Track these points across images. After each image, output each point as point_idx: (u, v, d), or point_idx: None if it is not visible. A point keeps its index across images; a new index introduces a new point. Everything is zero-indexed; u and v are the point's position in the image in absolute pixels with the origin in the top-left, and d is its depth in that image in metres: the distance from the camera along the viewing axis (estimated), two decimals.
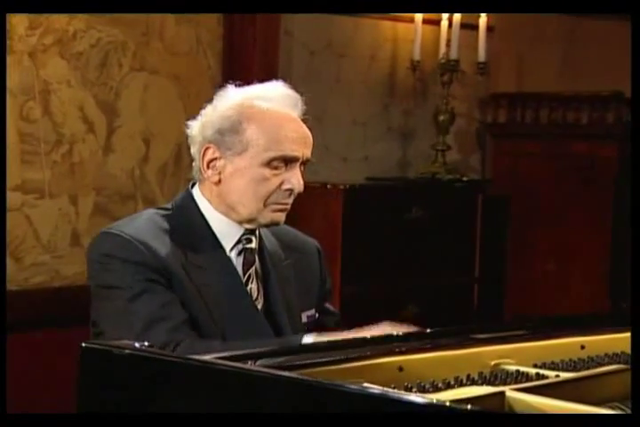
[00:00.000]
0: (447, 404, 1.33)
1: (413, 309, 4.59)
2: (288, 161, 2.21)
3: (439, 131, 4.91)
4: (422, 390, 1.76)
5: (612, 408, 1.67)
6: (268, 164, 2.19)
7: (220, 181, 2.23)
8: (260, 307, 2.26)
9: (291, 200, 2.25)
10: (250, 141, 2.19)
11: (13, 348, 3.55)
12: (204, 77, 4.00)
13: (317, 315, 2.39)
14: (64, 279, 3.64)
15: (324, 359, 1.74)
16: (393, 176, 4.85)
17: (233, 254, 2.25)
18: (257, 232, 2.28)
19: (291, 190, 2.22)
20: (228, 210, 2.23)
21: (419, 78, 4.95)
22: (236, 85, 2.28)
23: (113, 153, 3.78)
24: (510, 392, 1.63)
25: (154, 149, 3.86)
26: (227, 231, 2.24)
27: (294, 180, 2.21)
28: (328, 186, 4.35)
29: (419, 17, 4.80)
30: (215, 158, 2.22)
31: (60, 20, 3.63)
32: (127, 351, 1.44)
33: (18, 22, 3.54)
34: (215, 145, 2.22)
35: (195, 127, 2.27)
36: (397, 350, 1.86)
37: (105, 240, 2.21)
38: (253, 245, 2.27)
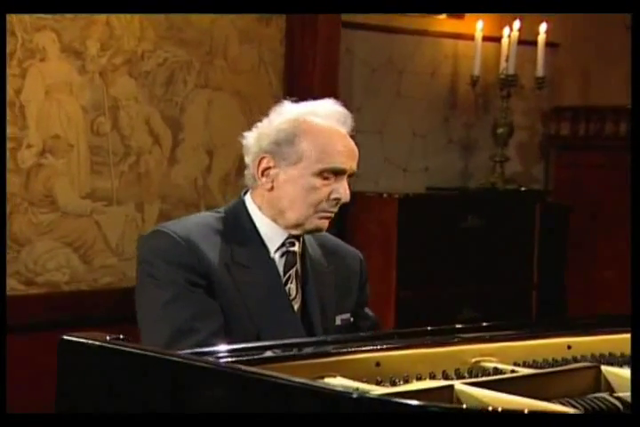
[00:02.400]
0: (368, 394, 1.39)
1: (469, 313, 4.62)
2: (337, 173, 2.31)
3: (498, 143, 4.95)
4: (393, 384, 1.83)
5: (562, 404, 1.71)
6: (320, 174, 2.30)
7: (272, 188, 2.33)
8: (296, 307, 2.36)
9: (336, 209, 2.35)
10: (304, 153, 2.30)
11: None
12: (265, 94, 4.12)
13: (352, 319, 2.47)
14: (131, 281, 3.77)
15: (299, 353, 1.81)
16: (452, 186, 4.90)
17: (277, 256, 2.35)
18: (301, 238, 2.39)
19: (338, 200, 2.32)
20: (276, 215, 2.34)
21: (480, 93, 4.99)
22: (292, 101, 2.39)
23: (177, 164, 3.93)
24: (459, 386, 1.69)
25: (216, 161, 4.00)
26: (272, 234, 2.34)
27: (342, 190, 2.31)
28: (384, 195, 4.43)
29: (479, 34, 4.87)
30: (269, 167, 2.32)
31: (129, 43, 3.80)
32: (97, 343, 1.54)
33: (90, 45, 3.72)
34: (270, 155, 2.32)
35: (250, 138, 2.38)
36: (377, 346, 1.92)
37: (156, 238, 2.31)
38: (296, 248, 2.37)
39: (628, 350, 2.16)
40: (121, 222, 3.80)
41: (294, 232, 2.35)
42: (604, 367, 1.91)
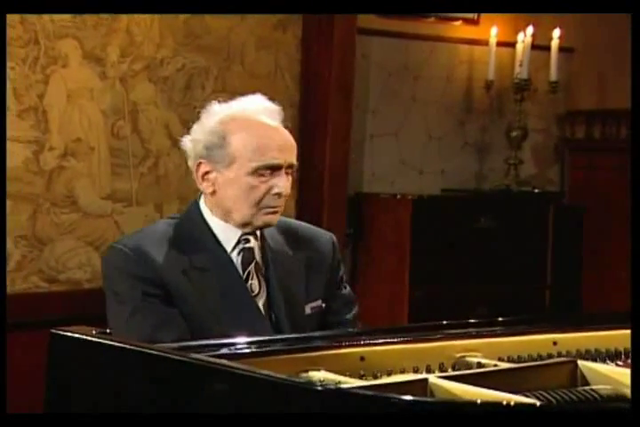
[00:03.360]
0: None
1: (482, 311, 4.62)
2: (272, 168, 2.30)
3: (512, 146, 4.96)
4: (375, 378, 1.86)
5: (536, 396, 1.72)
6: (254, 172, 2.28)
7: (214, 191, 2.33)
8: (261, 302, 2.35)
9: (281, 203, 2.34)
10: (234, 154, 2.28)
11: None
12: (282, 98, 4.08)
13: (324, 305, 2.43)
14: None
15: (284, 348, 1.84)
16: (467, 188, 4.91)
17: (234, 255, 2.34)
18: (257, 233, 2.38)
19: (279, 194, 2.31)
20: (225, 216, 2.34)
21: (495, 97, 5.01)
22: (219, 102, 2.36)
23: None
24: (433, 379, 1.71)
25: None
26: (227, 234, 2.34)
27: (281, 184, 2.30)
28: (397, 196, 4.46)
29: (493, 40, 4.88)
30: (208, 172, 2.32)
31: (149, 49, 3.86)
32: (82, 337, 1.58)
33: (111, 51, 3.77)
34: (206, 160, 2.31)
35: (187, 143, 2.37)
36: (363, 341, 1.94)
37: (110, 254, 2.32)
38: (252, 244, 2.36)
39: (613, 346, 2.19)
40: (140, 222, 3.84)
41: (245, 230, 2.34)
42: (580, 362, 1.93)
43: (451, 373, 1.81)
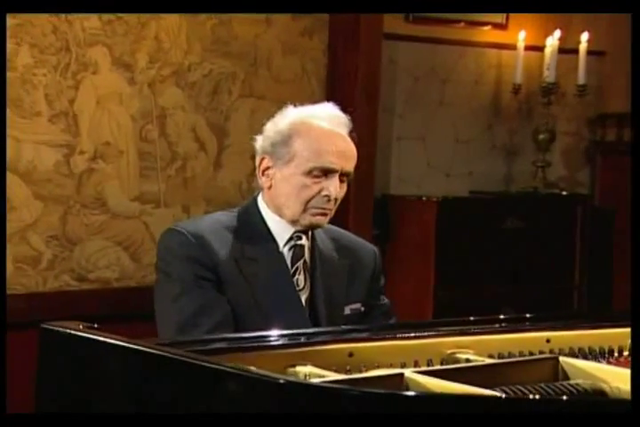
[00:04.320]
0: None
1: (508, 312, 4.61)
2: (327, 171, 2.39)
3: (539, 148, 4.96)
4: (360, 373, 1.89)
5: (505, 390, 1.74)
6: (310, 173, 2.38)
7: (271, 186, 2.44)
8: (304, 297, 2.44)
9: (330, 206, 2.42)
10: (296, 153, 2.39)
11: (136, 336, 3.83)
12: (307, 102, 4.14)
13: (363, 309, 2.54)
14: None
15: (273, 343, 1.88)
16: (495, 190, 4.92)
17: (285, 250, 2.44)
18: (309, 232, 2.47)
19: (328, 196, 2.40)
20: (278, 212, 2.44)
21: (523, 100, 5.01)
22: (294, 106, 2.49)
23: (222, 168, 4.03)
24: (409, 374, 1.74)
25: None
26: (280, 230, 2.44)
27: (332, 188, 2.39)
28: (423, 198, 4.48)
29: (521, 44, 4.88)
30: (268, 167, 2.43)
31: (176, 56, 3.92)
32: (68, 331, 1.62)
33: (140, 58, 3.85)
34: (269, 155, 2.43)
35: (258, 140, 2.50)
36: (352, 337, 1.98)
37: (168, 236, 2.44)
38: (303, 242, 2.46)
39: (606, 344, 2.20)
40: (168, 223, 3.86)
41: (295, 227, 2.44)
42: (562, 358, 1.94)
43: (428, 368, 1.84)
